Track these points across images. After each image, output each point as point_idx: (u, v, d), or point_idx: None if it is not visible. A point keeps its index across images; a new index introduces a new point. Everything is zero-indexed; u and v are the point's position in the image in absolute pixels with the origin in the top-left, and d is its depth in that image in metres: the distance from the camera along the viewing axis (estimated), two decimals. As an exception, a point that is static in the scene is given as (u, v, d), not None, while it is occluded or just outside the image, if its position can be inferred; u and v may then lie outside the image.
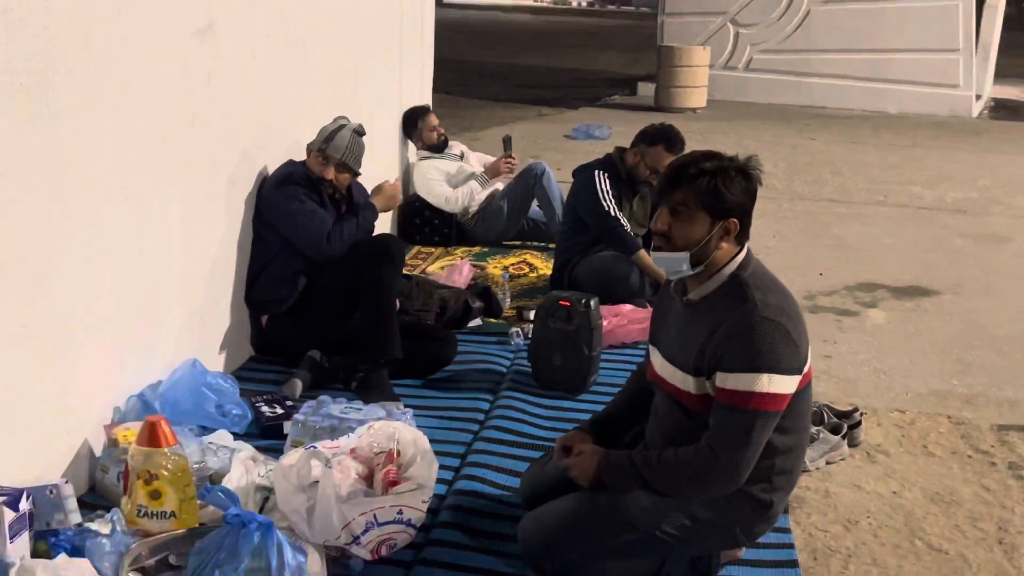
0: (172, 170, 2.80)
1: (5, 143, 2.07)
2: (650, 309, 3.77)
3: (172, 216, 2.84)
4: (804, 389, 2.01)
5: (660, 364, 2.14)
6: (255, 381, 3.20)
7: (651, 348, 2.23)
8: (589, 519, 2.10)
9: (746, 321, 1.91)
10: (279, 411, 2.88)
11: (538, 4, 63.52)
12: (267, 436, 2.76)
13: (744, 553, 2.26)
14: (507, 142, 5.48)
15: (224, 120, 3.09)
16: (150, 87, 2.64)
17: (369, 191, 3.62)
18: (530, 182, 5.10)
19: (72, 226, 2.33)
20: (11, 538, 1.96)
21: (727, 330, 1.93)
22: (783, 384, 1.90)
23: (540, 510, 2.19)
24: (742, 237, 2.02)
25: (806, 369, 2.00)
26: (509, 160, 5.29)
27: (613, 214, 4.00)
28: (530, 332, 3.54)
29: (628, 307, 3.86)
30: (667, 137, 3.99)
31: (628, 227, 4.03)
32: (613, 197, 4.03)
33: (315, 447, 2.34)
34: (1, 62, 2.03)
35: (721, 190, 1.94)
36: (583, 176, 4.16)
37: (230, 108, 3.11)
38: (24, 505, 2.02)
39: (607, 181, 4.06)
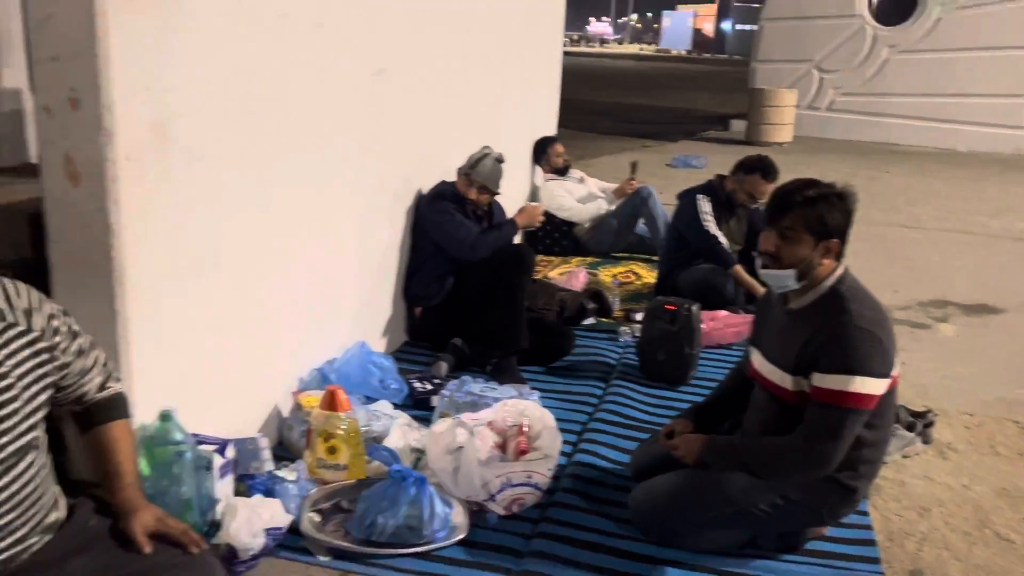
0: (350, 187, 2.85)
1: (229, 163, 2.16)
2: (743, 315, 3.65)
3: (348, 225, 2.90)
4: (890, 391, 1.94)
5: (760, 363, 2.09)
6: (409, 362, 3.22)
7: (752, 349, 2.17)
8: (692, 493, 2.06)
9: (843, 329, 1.87)
10: (428, 387, 2.89)
11: (642, 52, 63.04)
12: (418, 407, 2.77)
13: (828, 531, 2.14)
14: (634, 167, 5.43)
15: (391, 147, 3.12)
16: (336, 119, 2.68)
17: (505, 208, 3.64)
18: (637, 203, 5.01)
19: (274, 231, 2.41)
20: (220, 479, 2.03)
21: (825, 336, 1.89)
22: (874, 386, 1.85)
23: (649, 483, 2.15)
24: (840, 254, 1.98)
25: (894, 373, 1.93)
26: (633, 182, 5.20)
27: (713, 232, 3.88)
28: (637, 331, 3.46)
29: (724, 313, 3.72)
30: (763, 167, 3.86)
31: (726, 244, 3.90)
32: (713, 217, 3.91)
33: (459, 418, 2.35)
34: (236, 95, 2.13)
35: (824, 215, 1.91)
36: (687, 199, 4.04)
37: (396, 137, 3.15)
38: (229, 453, 2.08)
39: (708, 203, 3.94)
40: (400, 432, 2.48)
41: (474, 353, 3.22)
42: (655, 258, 4.78)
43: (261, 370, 2.47)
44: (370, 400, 2.63)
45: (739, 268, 3.82)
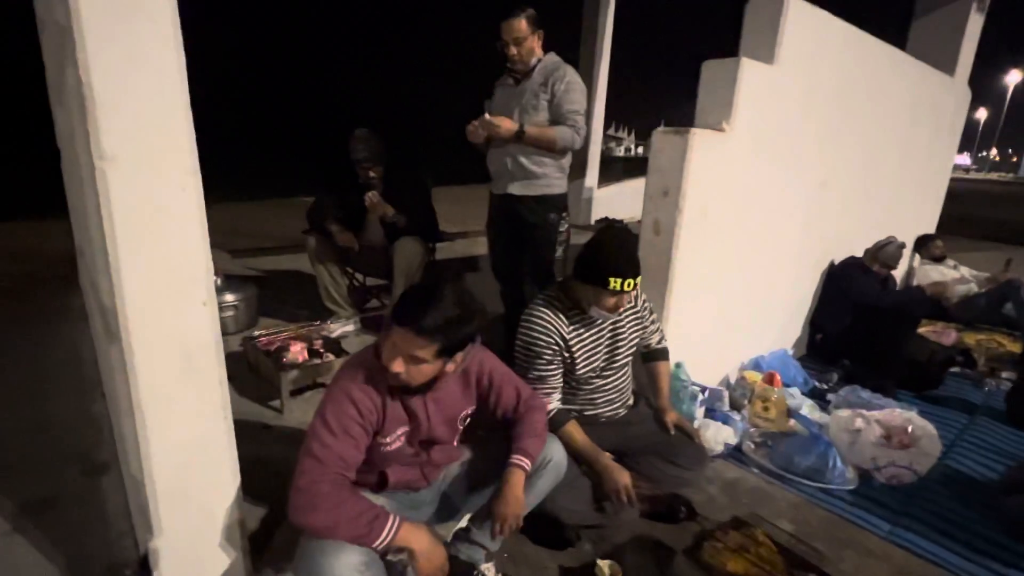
0: (794, 251, 3.01)
1: (734, 230, 2.48)
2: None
3: (787, 274, 3.08)
4: None
5: None
6: (807, 368, 3.32)
7: None
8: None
9: None
10: (824, 387, 3.02)
11: (1000, 179, 51.00)
12: (813, 398, 2.87)
13: None
14: (1008, 263, 4.76)
15: (820, 229, 3.18)
16: (794, 212, 2.87)
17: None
18: (1008, 290, 4.27)
19: (751, 270, 2.70)
20: (699, 407, 2.40)
21: None
22: None
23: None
24: None
25: None
26: (1006, 274, 4.45)
27: None
28: (1003, 384, 3.10)
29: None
30: None
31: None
32: None
33: (859, 410, 2.45)
34: (740, 195, 2.49)
35: None
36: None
37: (825, 224, 3.20)
38: (705, 394, 2.45)
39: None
40: (807, 409, 2.67)
41: (860, 372, 3.21)
42: (1017, 333, 4.09)
43: (726, 353, 2.81)
44: (786, 385, 2.85)
45: None
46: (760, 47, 2.39)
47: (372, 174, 2.82)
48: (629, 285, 1.68)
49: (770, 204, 2.72)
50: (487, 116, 2.29)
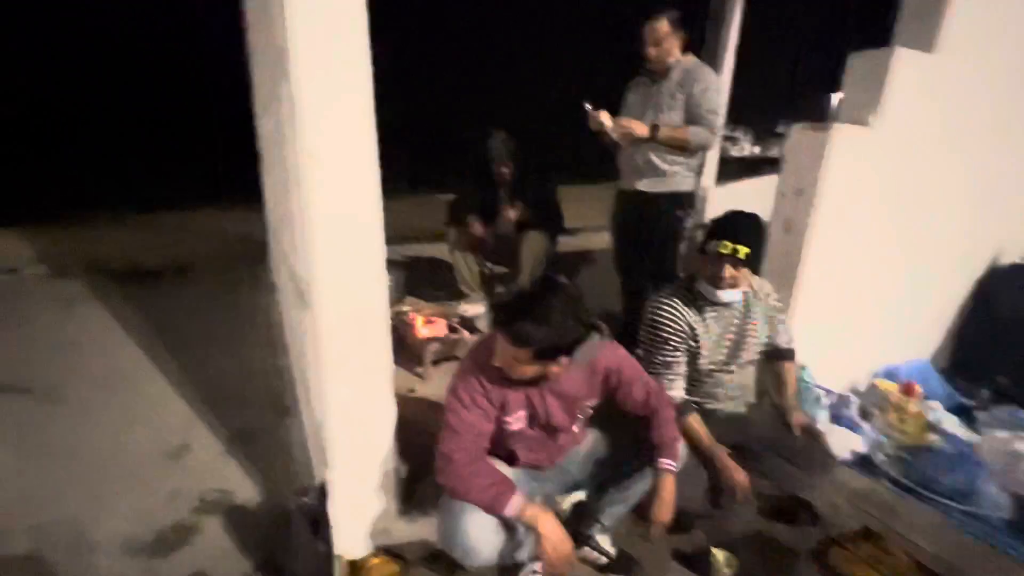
0: (938, 255, 2.60)
1: (871, 235, 2.26)
2: None
3: (930, 280, 2.64)
4: None
5: None
6: (950, 382, 2.87)
7: None
8: None
9: None
10: (972, 403, 2.61)
11: None
12: (957, 413, 2.48)
13: None
14: None
15: (979, 231, 2.70)
16: (942, 217, 2.50)
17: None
18: None
19: (896, 272, 2.42)
20: (823, 410, 2.23)
21: None
22: None
23: None
24: None
25: None
26: None
27: None
28: None
29: None
30: None
31: None
32: None
33: (1020, 434, 2.10)
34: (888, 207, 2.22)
35: None
36: None
37: (985, 226, 2.71)
38: (831, 399, 2.27)
39: None
40: (950, 425, 2.33)
41: (1016, 390, 2.71)
42: None
43: (857, 358, 2.55)
44: (925, 398, 2.49)
45: None
46: (919, 34, 2.09)
47: (504, 170, 2.91)
48: (739, 253, 1.57)
49: (918, 204, 2.40)
50: (618, 120, 2.25)
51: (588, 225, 4.74)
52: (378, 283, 1.43)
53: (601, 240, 4.43)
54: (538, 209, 2.91)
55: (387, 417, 1.52)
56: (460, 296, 3.10)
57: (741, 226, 1.61)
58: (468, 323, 2.59)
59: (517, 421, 1.41)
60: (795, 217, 2.09)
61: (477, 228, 2.97)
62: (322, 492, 1.51)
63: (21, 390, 2.48)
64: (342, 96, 1.29)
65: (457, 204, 3.09)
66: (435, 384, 2.37)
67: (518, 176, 2.94)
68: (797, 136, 2.05)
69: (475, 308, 2.93)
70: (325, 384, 1.42)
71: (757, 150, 13.36)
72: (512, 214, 2.92)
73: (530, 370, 1.31)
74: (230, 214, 7.27)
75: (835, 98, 2.84)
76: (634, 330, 1.81)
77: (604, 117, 2.25)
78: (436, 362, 2.45)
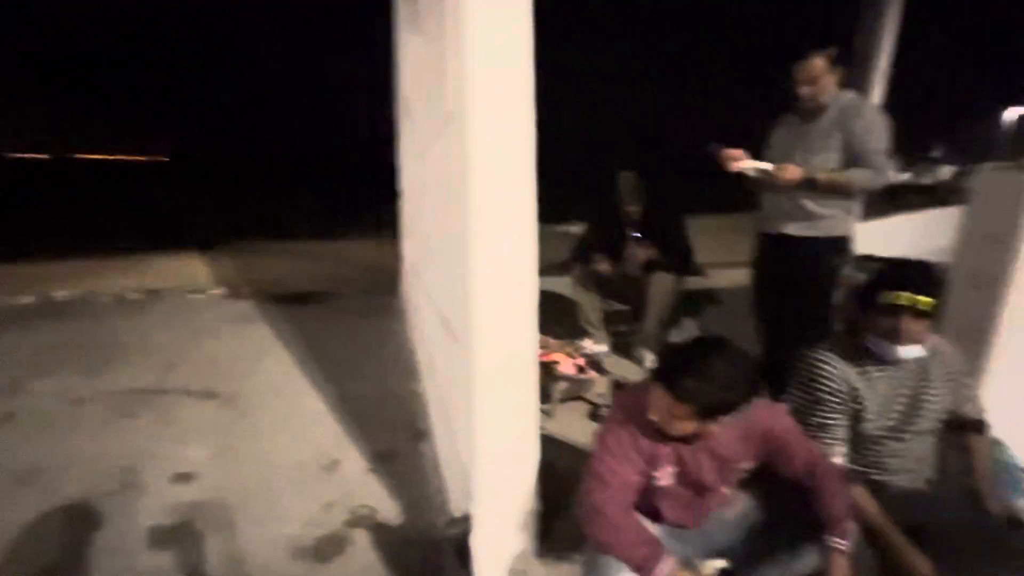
0: None
1: None
2: None
3: None
4: None
5: None
6: None
7: None
8: None
9: None
10: None
11: None
12: None
13: None
14: None
15: None
16: None
17: None
18: None
19: None
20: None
21: None
22: None
23: None
24: None
25: None
26: None
27: None
28: None
29: None
30: None
31: None
32: None
33: None
34: None
35: None
36: None
37: None
38: None
39: None
40: None
41: None
42: None
43: None
44: None
45: None
46: None
47: (632, 209, 2.91)
48: (922, 304, 1.39)
49: None
50: (766, 166, 2.16)
51: (717, 261, 4.56)
52: (530, 327, 1.49)
53: (730, 278, 4.23)
54: (667, 249, 2.87)
55: (531, 457, 1.56)
56: (582, 333, 3.11)
57: (919, 275, 1.45)
58: (596, 365, 2.59)
59: (665, 477, 1.37)
60: (987, 268, 1.85)
61: (603, 266, 2.99)
62: (467, 524, 1.57)
63: (210, 395, 2.91)
64: (510, 156, 1.39)
65: (583, 241, 3.14)
66: (562, 422, 2.38)
67: (646, 216, 2.93)
68: (990, 175, 1.82)
69: (596, 347, 2.92)
70: (475, 421, 1.49)
71: (906, 177, 11.90)
72: (640, 254, 2.91)
73: (687, 427, 1.27)
74: (364, 244, 8.05)
75: (1012, 113, 2.51)
76: (773, 382, 1.69)
77: (745, 161, 2.17)
78: (563, 400, 2.47)
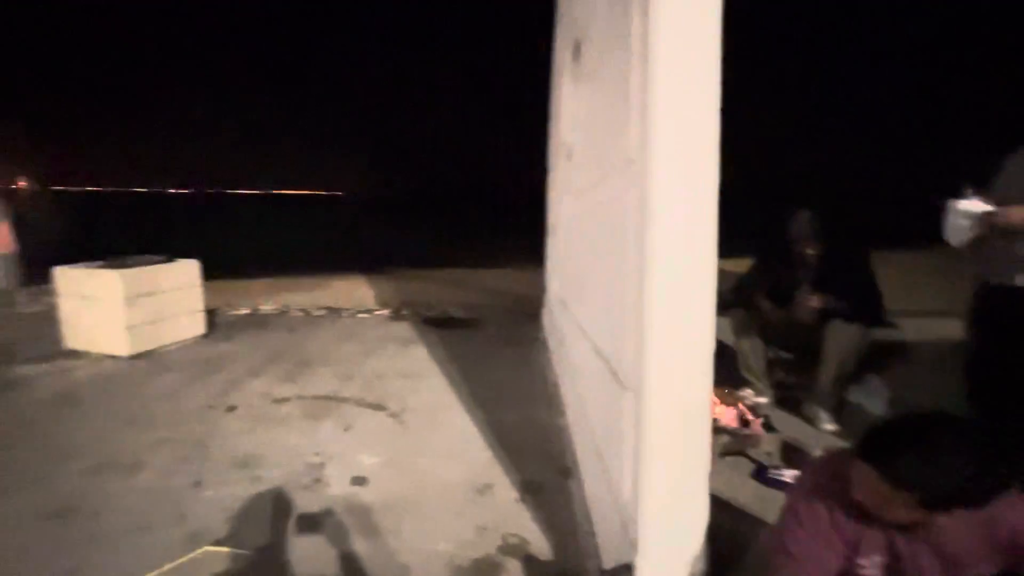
0: None
1: None
2: None
3: None
4: None
5: None
6: None
7: None
8: None
9: None
10: None
11: None
12: None
13: None
14: None
15: None
16: None
17: None
18: None
19: None
20: None
21: None
22: None
23: None
24: None
25: None
26: None
27: None
28: None
29: None
30: None
31: None
32: None
33: None
34: None
35: None
36: None
37: None
38: None
39: None
40: None
41: None
42: None
43: None
44: None
45: None
46: None
47: (810, 252, 2.65)
48: None
49: None
50: (989, 207, 1.84)
51: (907, 309, 3.95)
52: (707, 380, 1.42)
53: (922, 329, 3.60)
54: (850, 296, 2.54)
55: (701, 515, 1.46)
56: (740, 382, 2.88)
57: None
58: (763, 419, 2.37)
59: (872, 568, 1.18)
60: None
61: (769, 312, 2.75)
62: (617, 571, 1.51)
63: (379, 407, 3.22)
64: (693, 204, 1.37)
65: (745, 281, 2.91)
66: (721, 479, 2.20)
67: (825, 260, 2.64)
68: None
69: (756, 399, 2.68)
70: (643, 473, 1.44)
71: None
72: (816, 300, 2.62)
73: (906, 516, 1.09)
74: (507, 274, 8.44)
75: None
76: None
77: (973, 201, 1.86)
78: (723, 455, 2.29)
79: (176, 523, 2.09)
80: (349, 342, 4.56)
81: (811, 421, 2.63)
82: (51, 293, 4.41)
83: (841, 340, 2.49)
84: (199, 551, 1.92)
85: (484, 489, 2.37)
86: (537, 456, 2.64)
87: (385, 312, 5.71)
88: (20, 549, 1.94)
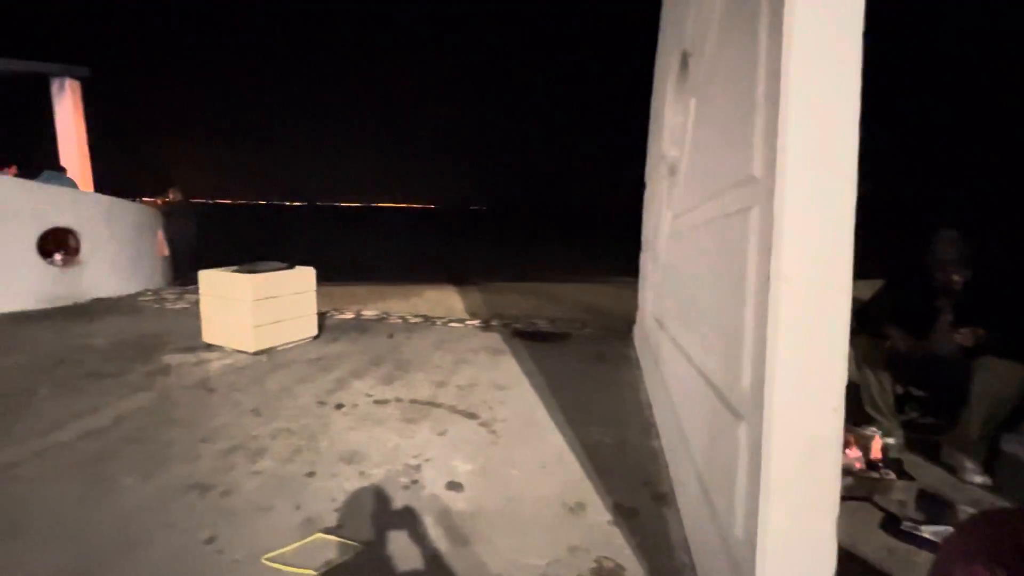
0: None
1: None
2: None
3: None
4: None
5: None
6: None
7: None
8: None
9: None
10: None
11: None
12: None
13: None
14: None
15: None
16: None
17: None
18: None
19: None
20: None
21: None
22: None
23: None
24: None
25: None
26: None
27: None
28: None
29: None
30: None
31: None
32: None
33: None
34: None
35: None
36: None
37: None
38: None
39: None
40: None
41: None
42: None
43: None
44: None
45: None
46: None
47: (956, 278, 2.33)
48: None
49: None
50: None
51: None
52: (837, 412, 1.29)
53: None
54: (1005, 328, 2.20)
55: (827, 565, 1.32)
56: (864, 419, 2.59)
57: None
58: (894, 463, 2.11)
59: None
60: None
61: (900, 342, 2.46)
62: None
63: (471, 415, 3.29)
64: (824, 223, 1.26)
65: (872, 307, 2.62)
66: (840, 526, 1.98)
67: (972, 284, 2.31)
68: None
69: (887, 439, 2.39)
70: (763, 511, 1.34)
71: None
72: (967, 338, 2.29)
73: None
74: (598, 289, 8.33)
75: None
76: None
77: None
78: (845, 499, 2.06)
79: (293, 508, 2.27)
80: (442, 349, 4.73)
81: (954, 470, 2.29)
82: (193, 292, 5.01)
83: (995, 379, 2.15)
84: (313, 536, 2.06)
85: (576, 508, 2.33)
86: (630, 479, 2.55)
87: (475, 322, 5.85)
88: (167, 516, 2.20)
